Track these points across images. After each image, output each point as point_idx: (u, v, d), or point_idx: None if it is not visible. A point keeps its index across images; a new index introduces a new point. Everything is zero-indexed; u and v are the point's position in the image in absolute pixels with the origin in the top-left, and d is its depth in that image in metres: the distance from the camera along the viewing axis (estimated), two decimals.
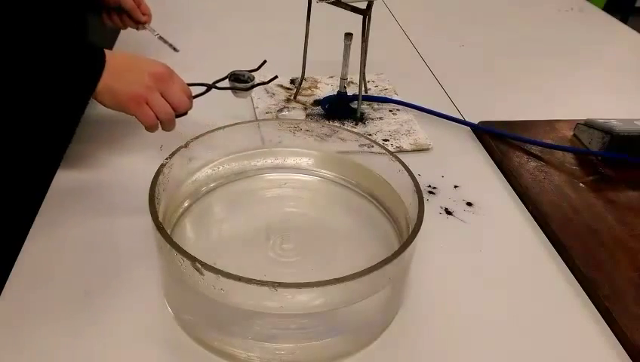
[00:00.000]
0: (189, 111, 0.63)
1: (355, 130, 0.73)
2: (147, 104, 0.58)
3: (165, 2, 1.11)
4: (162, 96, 0.59)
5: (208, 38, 0.97)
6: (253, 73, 0.72)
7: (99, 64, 0.56)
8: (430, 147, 0.71)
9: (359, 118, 0.75)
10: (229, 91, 0.71)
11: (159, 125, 0.60)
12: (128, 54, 0.62)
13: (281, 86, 0.82)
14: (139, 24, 0.84)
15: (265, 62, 0.73)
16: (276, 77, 0.73)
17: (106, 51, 0.58)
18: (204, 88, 0.67)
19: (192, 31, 1.00)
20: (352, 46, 0.72)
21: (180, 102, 0.60)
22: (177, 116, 0.61)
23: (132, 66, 0.59)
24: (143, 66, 0.59)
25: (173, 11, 1.07)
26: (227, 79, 0.71)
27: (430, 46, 1.00)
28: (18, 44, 0.53)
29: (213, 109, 0.68)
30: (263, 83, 0.73)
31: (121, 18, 0.83)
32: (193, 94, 0.64)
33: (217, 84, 0.69)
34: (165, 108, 0.59)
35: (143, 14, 0.84)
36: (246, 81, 0.72)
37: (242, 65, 0.72)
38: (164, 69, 0.60)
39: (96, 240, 0.54)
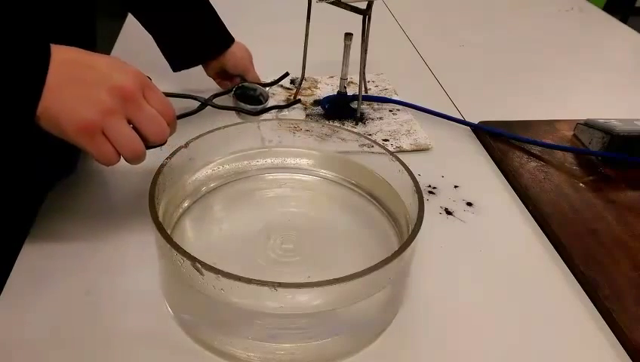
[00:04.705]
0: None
1: (355, 130, 0.73)
2: (104, 134, 0.41)
3: None
4: (129, 121, 0.42)
5: None
6: (267, 88, 0.57)
7: (38, 73, 0.38)
8: (430, 147, 0.71)
9: (359, 118, 0.75)
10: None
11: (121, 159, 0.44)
12: (79, 52, 0.42)
13: (281, 86, 0.82)
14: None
15: (287, 74, 0.57)
16: (299, 100, 0.57)
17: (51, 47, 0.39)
18: (196, 104, 0.51)
19: None
20: (352, 46, 0.72)
21: (156, 132, 0.43)
22: (149, 147, 0.45)
23: (86, 74, 0.41)
24: (102, 75, 0.41)
25: None
26: (231, 92, 0.55)
27: (430, 46, 1.00)
28: None
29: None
30: (281, 106, 0.58)
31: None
32: (179, 113, 0.48)
33: (215, 100, 0.52)
34: (131, 141, 0.42)
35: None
36: (257, 99, 0.57)
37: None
38: (135, 81, 0.42)
39: (96, 240, 0.54)
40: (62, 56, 0.40)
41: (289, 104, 0.64)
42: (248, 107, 0.54)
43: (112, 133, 0.42)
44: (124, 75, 0.42)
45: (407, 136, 0.73)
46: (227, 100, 0.57)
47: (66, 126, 0.40)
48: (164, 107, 0.45)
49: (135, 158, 0.44)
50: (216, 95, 0.53)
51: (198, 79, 0.76)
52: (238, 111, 0.55)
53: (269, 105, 0.56)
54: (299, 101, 0.58)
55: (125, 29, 0.98)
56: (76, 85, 0.40)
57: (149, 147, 0.44)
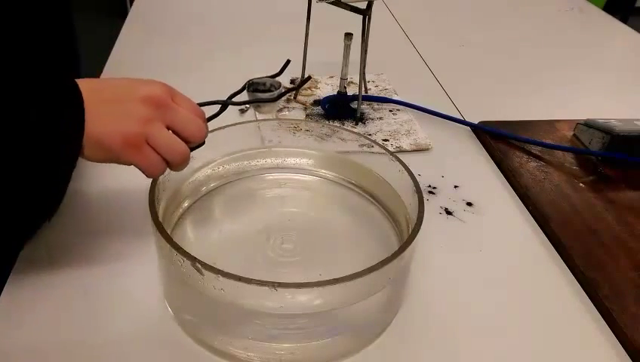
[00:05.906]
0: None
1: (355, 130, 0.72)
2: (148, 143, 0.42)
3: (151, 3, 1.11)
4: (167, 127, 0.43)
5: (204, 43, 0.97)
6: (277, 79, 0.57)
7: (76, 107, 0.39)
8: (430, 147, 0.71)
9: (359, 118, 0.75)
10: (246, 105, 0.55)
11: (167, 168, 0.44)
12: (95, 79, 0.43)
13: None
14: None
15: (289, 62, 0.58)
16: (309, 78, 0.59)
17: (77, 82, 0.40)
18: (217, 107, 0.51)
19: (186, 35, 1.00)
20: (352, 46, 0.72)
21: (194, 131, 0.44)
22: (191, 149, 0.45)
23: (115, 94, 0.42)
24: (129, 89, 0.42)
25: (159, 16, 1.07)
26: (245, 90, 0.55)
27: (430, 46, 1.00)
28: None
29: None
30: (294, 89, 0.59)
31: None
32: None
33: (234, 99, 0.53)
34: (175, 144, 0.43)
35: None
36: (269, 90, 0.58)
37: (253, 72, 0.64)
38: (162, 89, 0.43)
39: (96, 241, 0.54)
40: (85, 85, 0.41)
41: (302, 82, 0.64)
42: (266, 95, 0.56)
43: (155, 139, 0.42)
44: (149, 85, 0.43)
45: (407, 136, 0.73)
46: (241, 99, 0.58)
47: (111, 144, 0.41)
48: (195, 108, 0.46)
49: (182, 161, 0.45)
50: (232, 96, 0.54)
51: (201, 86, 0.77)
52: (258, 102, 0.57)
53: (283, 90, 0.57)
54: (309, 78, 0.59)
55: (125, 29, 0.98)
56: (109, 105, 0.41)
57: (190, 149, 0.45)
